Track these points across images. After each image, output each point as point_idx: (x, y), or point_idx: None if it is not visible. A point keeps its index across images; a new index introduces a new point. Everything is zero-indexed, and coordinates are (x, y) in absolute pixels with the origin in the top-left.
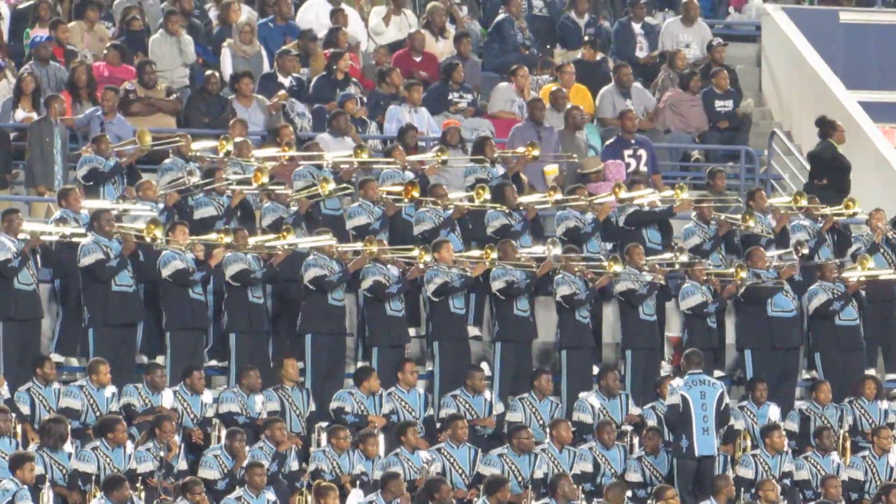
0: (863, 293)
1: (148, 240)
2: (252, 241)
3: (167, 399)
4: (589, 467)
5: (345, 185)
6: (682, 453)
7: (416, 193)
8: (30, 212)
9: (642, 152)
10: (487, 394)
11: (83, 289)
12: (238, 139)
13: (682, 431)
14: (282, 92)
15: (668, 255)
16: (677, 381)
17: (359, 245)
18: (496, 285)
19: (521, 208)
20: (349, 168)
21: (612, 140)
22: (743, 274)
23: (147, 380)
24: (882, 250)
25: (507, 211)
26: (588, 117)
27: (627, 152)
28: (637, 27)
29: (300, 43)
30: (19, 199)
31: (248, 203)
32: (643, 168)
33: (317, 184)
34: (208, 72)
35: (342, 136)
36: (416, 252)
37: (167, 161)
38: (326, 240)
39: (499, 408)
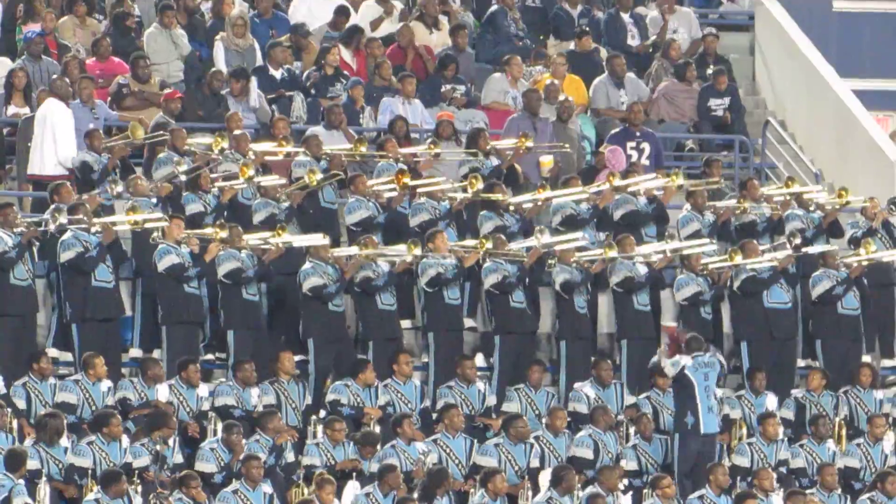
0: (864, 282)
1: (127, 226)
2: (246, 238)
3: (162, 393)
4: (589, 453)
5: (333, 172)
6: (686, 429)
7: (406, 181)
8: (20, 207)
9: (645, 145)
10: (480, 384)
11: (63, 285)
12: (237, 132)
13: (688, 408)
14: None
15: (659, 245)
16: (686, 360)
17: (354, 249)
18: (489, 281)
19: (514, 210)
20: (340, 159)
21: (617, 130)
22: (738, 258)
23: (148, 374)
24: (880, 235)
25: (499, 212)
26: (580, 108)
27: (630, 144)
28: (626, 17)
29: (292, 37)
30: (12, 195)
31: (236, 201)
32: (644, 161)
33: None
34: (213, 69)
35: (334, 130)
36: (403, 248)
37: (162, 155)
38: (319, 238)
39: (491, 400)
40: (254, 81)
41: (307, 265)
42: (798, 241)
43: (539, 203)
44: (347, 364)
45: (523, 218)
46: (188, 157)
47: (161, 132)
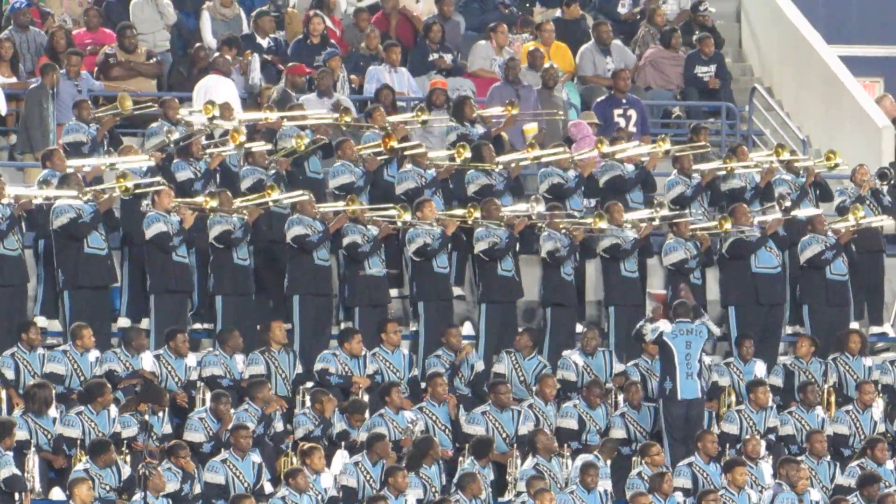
0: (853, 248)
1: (118, 192)
2: (236, 202)
3: (146, 361)
4: (574, 424)
5: (320, 136)
6: (665, 395)
7: (393, 144)
8: (24, 178)
9: (632, 112)
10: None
11: (56, 251)
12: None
13: (667, 374)
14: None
15: (648, 212)
16: (665, 325)
17: (340, 204)
18: (479, 247)
19: (501, 168)
20: (326, 126)
21: (603, 97)
22: (727, 225)
23: (133, 344)
24: (868, 202)
25: (487, 171)
26: (567, 76)
27: (617, 111)
28: None
29: (273, 6)
30: (13, 165)
31: (227, 167)
32: (632, 128)
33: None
34: (198, 44)
35: (326, 97)
36: (393, 212)
37: (154, 125)
38: (301, 194)
39: (479, 366)
40: (256, 60)
41: (294, 216)
42: (788, 203)
43: (527, 162)
44: (326, 317)
45: (509, 176)
46: (180, 126)
47: (149, 102)
